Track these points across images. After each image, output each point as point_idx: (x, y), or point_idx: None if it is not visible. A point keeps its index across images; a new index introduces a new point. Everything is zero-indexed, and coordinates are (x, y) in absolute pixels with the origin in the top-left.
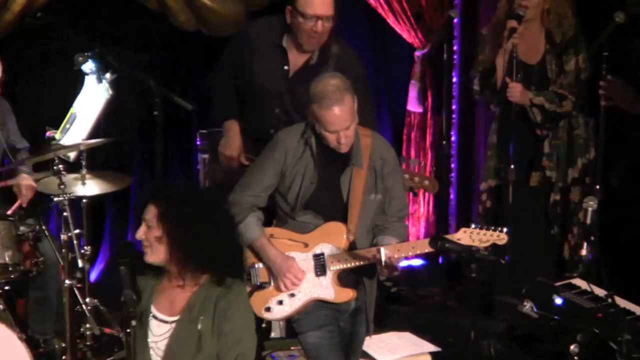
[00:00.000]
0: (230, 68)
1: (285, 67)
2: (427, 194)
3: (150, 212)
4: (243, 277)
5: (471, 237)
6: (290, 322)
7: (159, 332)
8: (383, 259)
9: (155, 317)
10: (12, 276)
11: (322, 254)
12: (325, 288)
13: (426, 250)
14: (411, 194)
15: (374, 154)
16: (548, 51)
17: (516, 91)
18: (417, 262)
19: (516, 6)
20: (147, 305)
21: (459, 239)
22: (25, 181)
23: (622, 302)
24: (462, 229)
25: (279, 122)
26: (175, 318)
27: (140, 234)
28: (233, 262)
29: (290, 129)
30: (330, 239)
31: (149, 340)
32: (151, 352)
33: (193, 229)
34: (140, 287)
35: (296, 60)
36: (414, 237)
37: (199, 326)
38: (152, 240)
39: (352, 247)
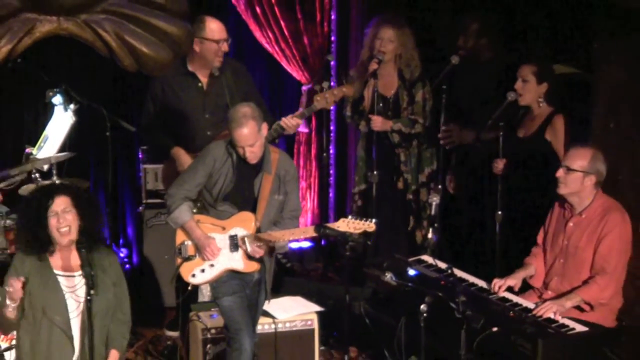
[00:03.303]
0: (154, 108)
1: (199, 84)
2: (313, 196)
3: (64, 202)
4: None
5: (348, 225)
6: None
7: (71, 284)
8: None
9: (61, 275)
10: (1, 258)
11: (236, 235)
12: (237, 261)
13: (312, 235)
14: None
15: (279, 165)
16: (400, 86)
17: (377, 122)
18: (306, 244)
19: (376, 52)
20: (45, 271)
21: (338, 227)
22: None
23: (458, 273)
24: (342, 219)
25: (211, 124)
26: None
27: (65, 222)
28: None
29: (218, 142)
30: (242, 224)
31: (64, 292)
32: (68, 299)
33: (93, 206)
34: (23, 266)
35: (203, 76)
36: (302, 225)
37: (100, 276)
38: (71, 221)
39: (258, 232)
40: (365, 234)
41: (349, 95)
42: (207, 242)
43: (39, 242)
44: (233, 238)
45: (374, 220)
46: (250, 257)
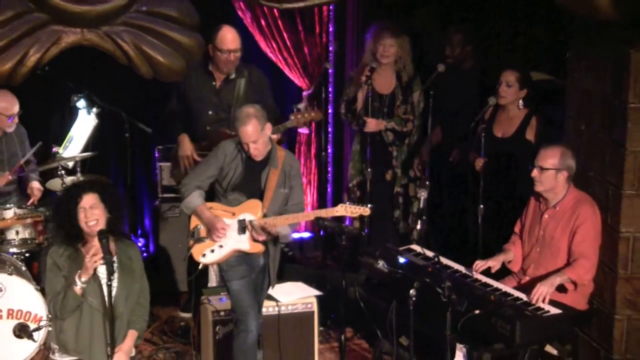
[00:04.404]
0: (176, 99)
1: (214, 83)
2: (313, 191)
3: (92, 198)
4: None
5: (346, 209)
6: (220, 274)
7: (104, 270)
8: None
9: None
10: (30, 247)
11: (244, 219)
12: (244, 242)
13: (311, 219)
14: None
15: (285, 161)
16: (397, 86)
17: (372, 124)
18: (306, 234)
19: (379, 56)
20: (80, 260)
21: (337, 211)
22: (35, 185)
23: (444, 261)
24: (340, 204)
25: (214, 121)
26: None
27: (92, 216)
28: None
29: (230, 140)
30: (250, 210)
31: (100, 278)
32: (104, 285)
33: (119, 201)
34: (60, 258)
35: (219, 77)
36: None
37: (127, 263)
38: (98, 215)
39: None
40: (360, 219)
41: (317, 120)
42: (216, 221)
43: (72, 236)
44: (241, 222)
45: (369, 206)
46: (256, 239)
